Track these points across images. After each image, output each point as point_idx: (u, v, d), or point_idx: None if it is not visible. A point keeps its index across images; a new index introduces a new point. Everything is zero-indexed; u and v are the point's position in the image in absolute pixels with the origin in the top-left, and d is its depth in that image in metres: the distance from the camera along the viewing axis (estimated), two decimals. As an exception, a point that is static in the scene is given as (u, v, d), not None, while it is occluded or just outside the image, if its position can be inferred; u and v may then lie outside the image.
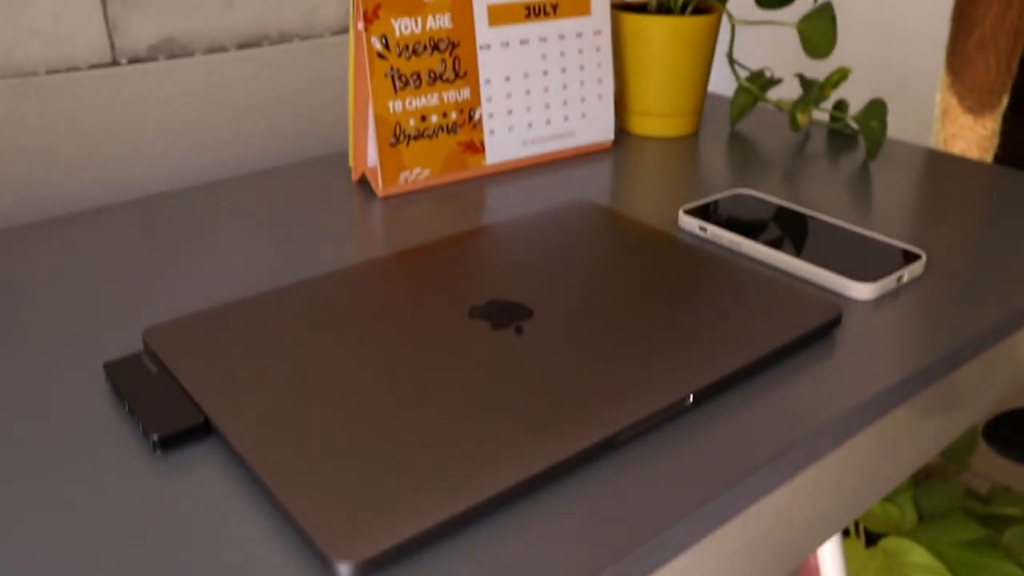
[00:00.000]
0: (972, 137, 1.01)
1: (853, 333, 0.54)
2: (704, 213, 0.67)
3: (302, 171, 0.81)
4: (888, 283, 0.57)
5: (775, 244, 0.62)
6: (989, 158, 1.05)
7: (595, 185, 0.76)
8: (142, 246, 0.66)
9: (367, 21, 0.69)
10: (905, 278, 0.59)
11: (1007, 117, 1.06)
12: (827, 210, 0.71)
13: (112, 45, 0.85)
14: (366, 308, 0.52)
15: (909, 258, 0.60)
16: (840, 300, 0.57)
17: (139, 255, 0.65)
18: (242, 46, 0.91)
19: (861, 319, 0.55)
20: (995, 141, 1.04)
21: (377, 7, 0.69)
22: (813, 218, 0.66)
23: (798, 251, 0.61)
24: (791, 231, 0.64)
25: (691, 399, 0.45)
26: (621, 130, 0.90)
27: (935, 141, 1.07)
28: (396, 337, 0.49)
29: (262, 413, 0.43)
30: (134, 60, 0.85)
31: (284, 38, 0.94)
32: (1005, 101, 1.03)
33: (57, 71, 0.80)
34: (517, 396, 0.44)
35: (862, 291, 0.57)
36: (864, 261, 0.59)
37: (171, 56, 0.87)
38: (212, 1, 0.88)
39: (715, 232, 0.64)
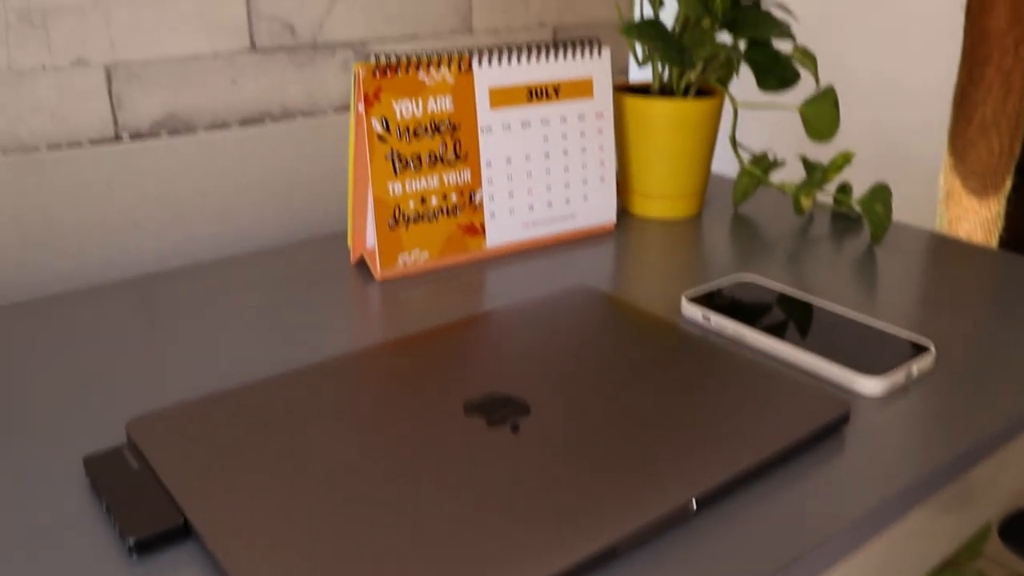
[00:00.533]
0: (977, 219, 1.00)
1: (862, 431, 0.52)
2: (707, 301, 0.66)
3: (301, 251, 0.80)
4: (897, 377, 0.55)
5: (780, 334, 0.60)
6: (994, 240, 1.03)
7: (597, 268, 0.75)
8: (136, 328, 0.65)
9: (368, 103, 0.69)
10: (915, 372, 0.57)
11: (1011, 199, 1.05)
12: (832, 296, 0.69)
13: (115, 121, 0.84)
14: (359, 401, 0.50)
15: (918, 350, 0.58)
16: (848, 395, 0.55)
17: (133, 337, 0.63)
18: (245, 122, 0.91)
19: (870, 415, 0.53)
20: (999, 223, 1.03)
21: (378, 89, 0.69)
22: (818, 307, 0.65)
23: (804, 342, 0.59)
24: (796, 320, 0.62)
25: (694, 505, 0.43)
26: (624, 211, 0.89)
27: (940, 223, 1.06)
28: (388, 434, 0.47)
29: (245, 516, 0.41)
30: (136, 136, 0.85)
31: (287, 115, 0.94)
32: (1009, 183, 1.02)
33: (59, 146, 0.80)
34: (511, 501, 0.42)
35: (871, 386, 0.55)
36: (872, 353, 0.58)
37: (173, 132, 0.87)
38: (216, 78, 0.88)
39: (719, 322, 0.63)
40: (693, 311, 0.65)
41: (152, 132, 0.86)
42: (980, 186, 0.98)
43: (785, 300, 0.66)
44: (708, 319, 0.64)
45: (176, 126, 0.87)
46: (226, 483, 0.43)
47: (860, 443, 0.51)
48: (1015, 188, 1.06)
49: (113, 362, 0.59)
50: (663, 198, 0.85)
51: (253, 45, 0.90)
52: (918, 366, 0.57)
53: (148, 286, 0.73)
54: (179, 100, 0.87)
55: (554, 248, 0.79)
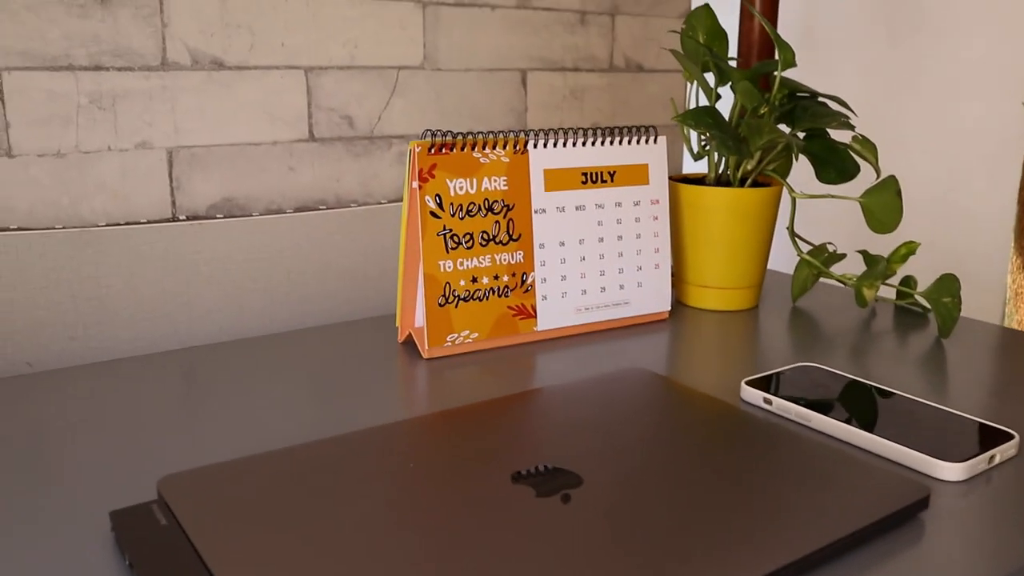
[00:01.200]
0: (1049, 323, 0.96)
1: (941, 517, 0.47)
2: (768, 385, 0.62)
3: (348, 330, 0.78)
4: (979, 463, 0.51)
5: (848, 419, 0.56)
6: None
7: (650, 355, 0.72)
8: (179, 394, 0.63)
9: (422, 180, 0.68)
10: (997, 459, 0.52)
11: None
12: (900, 387, 0.66)
13: (173, 202, 0.85)
14: (399, 468, 0.47)
15: (999, 437, 0.54)
16: (925, 481, 0.51)
17: (175, 402, 0.61)
18: (300, 209, 0.91)
19: (949, 502, 0.49)
20: (1073, 329, 0.98)
21: (433, 166, 0.68)
22: (888, 393, 0.61)
23: (874, 427, 0.55)
24: (865, 406, 0.59)
25: (761, 584, 0.39)
26: (678, 302, 0.86)
27: (1008, 325, 1.02)
28: (430, 501, 0.44)
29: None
30: (193, 217, 0.85)
31: (341, 203, 0.94)
32: (1081, 287, 0.98)
33: (117, 224, 0.80)
34: (560, 573, 0.38)
35: (951, 472, 0.50)
36: (949, 440, 0.53)
37: (229, 215, 0.87)
38: (274, 164, 0.89)
39: (781, 404, 0.59)
40: (753, 394, 0.61)
41: (208, 215, 0.87)
42: (1050, 288, 0.94)
43: (851, 386, 0.62)
44: (770, 402, 0.60)
45: (232, 209, 0.88)
46: (257, 544, 0.40)
47: (939, 530, 0.46)
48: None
49: (152, 425, 0.57)
50: (719, 289, 0.82)
51: (312, 135, 0.92)
52: (1001, 453, 0.52)
53: (195, 357, 0.72)
54: (236, 185, 0.88)
55: (606, 335, 0.76)
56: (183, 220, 0.85)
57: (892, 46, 1.98)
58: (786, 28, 2.25)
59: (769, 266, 1.02)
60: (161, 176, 0.84)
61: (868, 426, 0.55)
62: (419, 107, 0.97)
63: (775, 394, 0.60)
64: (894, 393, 0.61)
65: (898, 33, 1.96)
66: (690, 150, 0.85)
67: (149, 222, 0.83)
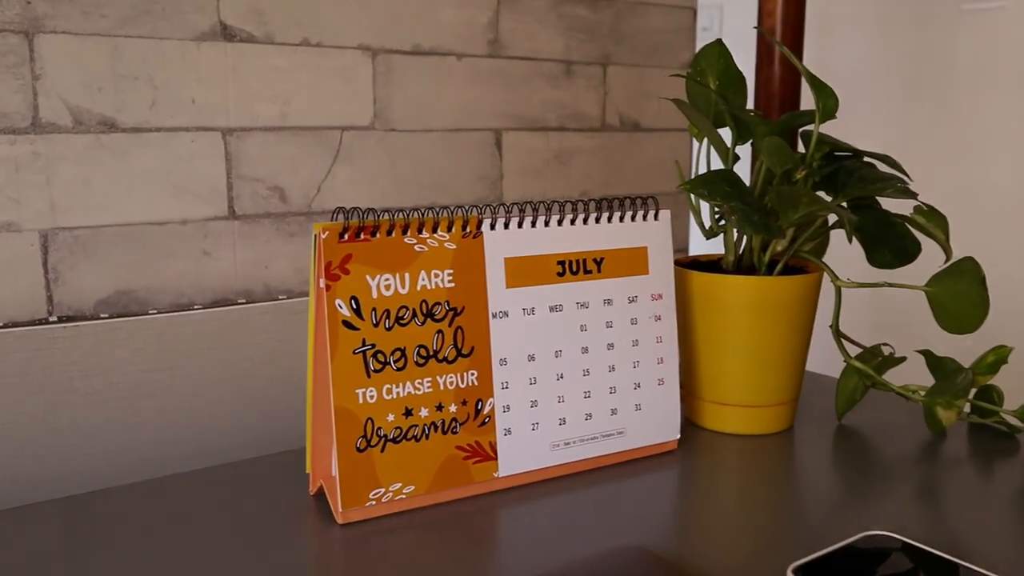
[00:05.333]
0: None
1: None
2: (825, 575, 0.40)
3: (256, 471, 0.57)
4: None
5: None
6: None
7: (654, 511, 0.50)
8: (55, 554, 0.41)
9: (331, 277, 0.47)
10: None
11: None
12: (995, 554, 0.43)
13: (50, 299, 0.64)
14: None
15: None
16: None
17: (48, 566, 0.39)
18: (216, 304, 0.70)
19: None
20: None
21: (347, 258, 0.47)
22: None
23: None
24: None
25: None
26: (690, 423, 0.64)
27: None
28: None
29: None
30: (72, 318, 0.64)
31: (270, 295, 0.73)
32: None
33: (-41, 333, 0.60)
34: None
35: None
36: None
37: (124, 313, 0.67)
38: (185, 249, 0.69)
39: (856, 624, 0.37)
40: (810, 601, 0.39)
41: (95, 313, 0.66)
42: None
43: (941, 572, 0.40)
44: (837, 619, 0.38)
45: (129, 305, 0.67)
46: None
47: None
48: None
49: None
50: (743, 408, 0.60)
51: (232, 211, 0.71)
52: None
53: (72, 508, 0.50)
54: (134, 275, 0.67)
55: (595, 477, 0.54)
56: (54, 323, 0.64)
57: (919, 101, 1.78)
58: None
59: (809, 367, 0.79)
60: (32, 265, 0.64)
61: None
62: (369, 175, 0.77)
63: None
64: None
65: (924, 87, 1.77)
66: (701, 226, 0.64)
67: (7, 325, 0.62)
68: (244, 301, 0.71)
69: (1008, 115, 1.66)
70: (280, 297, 0.72)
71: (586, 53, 0.88)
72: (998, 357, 0.58)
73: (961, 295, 0.57)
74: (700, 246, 1.01)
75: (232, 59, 0.70)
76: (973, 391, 0.61)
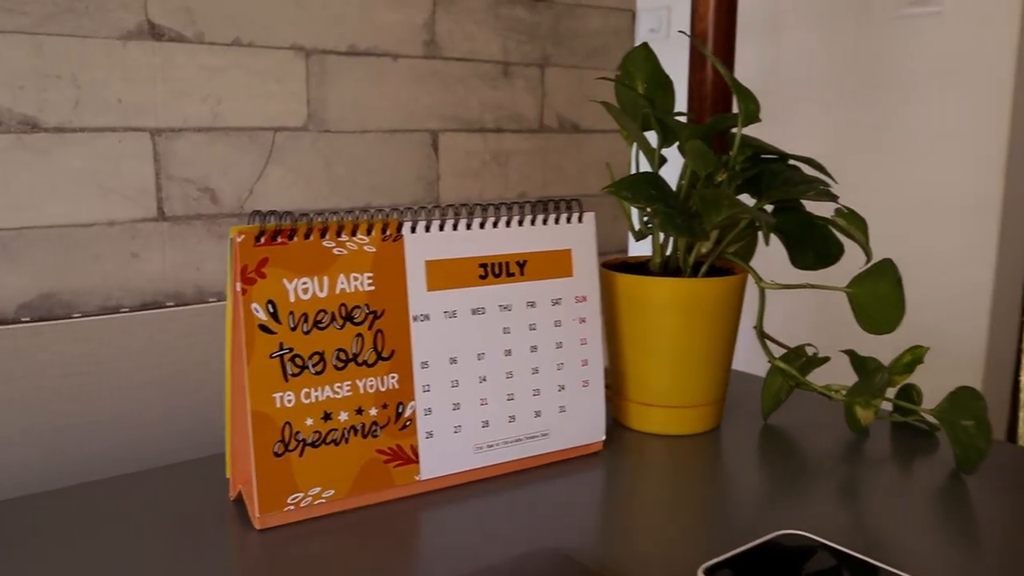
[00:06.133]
0: (1073, 430, 0.75)
1: None
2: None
3: (175, 480, 0.56)
4: None
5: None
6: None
7: (576, 513, 0.50)
8: None
9: (247, 281, 0.46)
10: None
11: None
12: (911, 553, 0.44)
13: (-30, 305, 0.63)
14: None
15: None
16: None
17: None
18: (145, 306, 0.69)
19: None
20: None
21: (263, 262, 0.47)
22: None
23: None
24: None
25: None
26: (617, 425, 0.64)
27: (1023, 432, 0.81)
28: None
29: None
30: (-13, 324, 0.63)
31: (202, 297, 0.72)
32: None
33: None
34: None
35: None
36: None
37: (47, 317, 0.65)
38: (112, 251, 0.67)
39: (758, 624, 0.37)
40: (717, 602, 0.39)
41: (16, 317, 0.64)
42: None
43: (853, 571, 0.41)
44: (741, 620, 0.38)
45: (53, 308, 0.65)
46: None
47: None
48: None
49: None
50: (669, 408, 0.61)
51: (162, 212, 0.70)
52: None
53: (-67, 537, 0.48)
54: (58, 277, 0.66)
55: (519, 480, 0.54)
56: (-27, 327, 0.62)
57: (857, 104, 1.81)
58: (743, 82, 2.06)
59: (739, 367, 0.80)
60: (-52, 269, 0.62)
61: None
62: (303, 176, 0.76)
63: (748, 600, 0.38)
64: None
65: (864, 90, 1.79)
66: (631, 228, 0.64)
67: (-78, 331, 0.61)
68: (173, 304, 0.70)
69: (944, 117, 1.69)
70: (211, 300, 0.71)
71: (524, 54, 0.88)
72: (914, 357, 0.59)
73: (880, 296, 0.57)
74: (644, 247, 1.02)
75: (160, 58, 0.68)
76: (895, 390, 0.62)
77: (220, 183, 0.72)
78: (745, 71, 1.99)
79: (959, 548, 0.46)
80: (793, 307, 1.91)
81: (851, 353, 0.65)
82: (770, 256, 0.77)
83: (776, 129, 1.91)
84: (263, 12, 0.73)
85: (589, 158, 0.94)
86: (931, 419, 0.62)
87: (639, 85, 0.63)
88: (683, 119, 0.65)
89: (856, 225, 0.59)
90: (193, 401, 0.69)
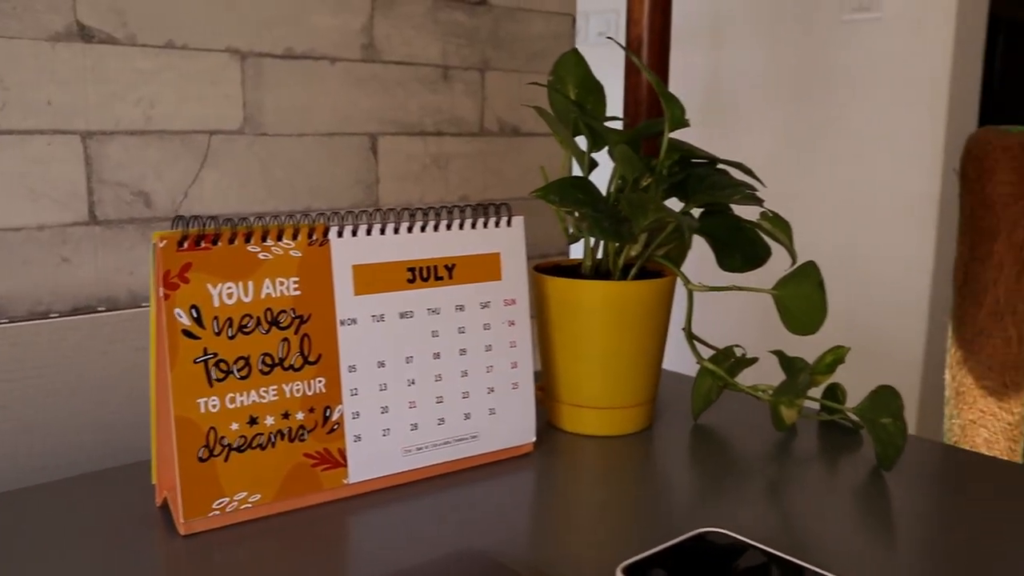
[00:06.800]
0: (997, 425, 0.77)
1: None
2: (654, 574, 0.41)
3: (104, 487, 0.55)
4: None
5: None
6: (1020, 449, 0.80)
7: (505, 514, 0.50)
8: None
9: (170, 287, 0.46)
10: None
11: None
12: (833, 550, 0.45)
13: None
14: None
15: None
16: None
17: None
18: (76, 311, 0.68)
19: None
20: None
21: (186, 267, 0.47)
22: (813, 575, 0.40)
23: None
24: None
25: None
26: (550, 427, 0.65)
27: (949, 428, 0.83)
28: None
29: None
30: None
31: (136, 302, 0.71)
32: (1029, 380, 0.80)
33: None
34: None
35: None
36: None
37: (-28, 325, 0.64)
38: (42, 256, 0.67)
39: (669, 619, 0.38)
40: (631, 599, 0.40)
41: (-59, 324, 0.63)
42: (999, 384, 0.76)
43: (770, 568, 0.42)
44: (653, 616, 0.39)
45: (-23, 316, 0.64)
46: None
47: None
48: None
49: None
50: (599, 410, 0.62)
51: (94, 216, 0.69)
52: None
53: None
54: (-16, 283, 0.65)
55: (448, 482, 0.55)
56: None
57: (800, 107, 1.84)
58: (689, 87, 2.09)
59: (674, 368, 0.82)
60: None
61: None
62: (239, 180, 0.76)
63: (662, 596, 0.39)
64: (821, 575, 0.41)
65: (807, 94, 1.82)
66: (565, 231, 0.65)
67: None
68: (105, 309, 0.69)
69: (884, 120, 1.73)
70: (145, 304, 0.71)
71: (464, 58, 0.88)
72: (836, 357, 0.60)
73: (803, 298, 0.59)
74: (577, 251, 1.03)
75: (91, 60, 0.68)
76: (822, 389, 0.64)
77: (154, 186, 0.72)
78: (691, 76, 2.02)
79: (875, 542, 0.47)
80: (743, 309, 1.93)
81: (779, 354, 0.66)
82: (706, 258, 0.79)
83: (721, 132, 1.94)
84: (196, 15, 0.72)
85: (530, 161, 0.94)
86: (855, 417, 0.63)
87: (570, 90, 0.64)
88: (619, 123, 0.66)
89: (780, 228, 0.60)
90: (125, 407, 0.69)
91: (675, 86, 2.01)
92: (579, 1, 2.10)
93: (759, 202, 0.59)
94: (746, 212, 1.73)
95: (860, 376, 1.75)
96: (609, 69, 1.23)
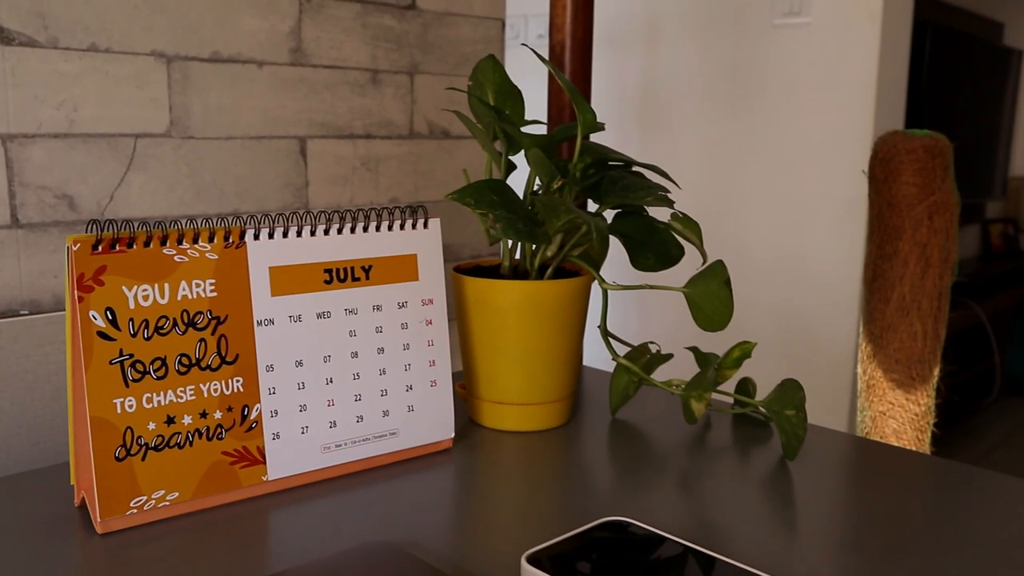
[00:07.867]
0: (905, 416, 0.81)
1: None
2: (557, 561, 0.43)
3: (23, 488, 0.56)
4: None
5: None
6: (926, 439, 0.84)
7: (422, 509, 0.52)
8: None
9: (84, 289, 0.47)
10: None
11: (939, 390, 0.87)
12: (738, 536, 0.48)
13: None
14: None
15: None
16: None
17: None
18: (-3, 316, 0.68)
19: None
20: (931, 419, 0.84)
21: (100, 270, 0.48)
22: (710, 560, 0.43)
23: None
24: (680, 598, 0.40)
25: None
26: (472, 423, 0.67)
27: (861, 420, 0.87)
28: None
29: None
30: None
31: (60, 305, 0.72)
32: (937, 372, 0.84)
33: None
34: None
35: None
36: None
37: None
38: (-37, 261, 0.67)
39: (566, 602, 0.40)
40: (532, 582, 0.42)
41: None
42: (906, 377, 0.80)
43: (672, 556, 0.44)
44: (551, 598, 0.41)
45: None
46: None
47: None
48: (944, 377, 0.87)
49: None
50: (520, 406, 0.64)
51: (16, 220, 0.69)
52: None
53: None
54: (-99, 288, 0.65)
55: (367, 479, 0.56)
56: None
57: (733, 111, 1.88)
58: (626, 89, 2.12)
59: (596, 364, 0.84)
60: None
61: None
62: (166, 183, 0.76)
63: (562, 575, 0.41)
64: (716, 559, 0.43)
65: (741, 96, 1.87)
66: (486, 233, 0.67)
67: None
68: (28, 312, 0.70)
69: (814, 124, 1.78)
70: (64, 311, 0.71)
71: (393, 62, 0.90)
72: (743, 352, 0.63)
73: (712, 295, 0.62)
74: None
75: (11, 63, 0.68)
76: (733, 383, 0.67)
77: (79, 190, 0.72)
78: (627, 78, 2.06)
79: (776, 530, 0.50)
80: (678, 308, 1.97)
81: (695, 350, 0.69)
82: (618, 266, 0.81)
83: (657, 134, 1.98)
84: (120, 18, 0.73)
85: (460, 164, 0.96)
86: (763, 411, 0.66)
87: (489, 96, 0.66)
88: (542, 127, 0.68)
89: (691, 229, 0.63)
90: (49, 410, 0.69)
91: (611, 88, 2.05)
92: (518, 3, 2.13)
93: (670, 204, 0.61)
94: (662, 214, 1.77)
95: (795, 373, 1.80)
96: (547, 72, 1.24)
